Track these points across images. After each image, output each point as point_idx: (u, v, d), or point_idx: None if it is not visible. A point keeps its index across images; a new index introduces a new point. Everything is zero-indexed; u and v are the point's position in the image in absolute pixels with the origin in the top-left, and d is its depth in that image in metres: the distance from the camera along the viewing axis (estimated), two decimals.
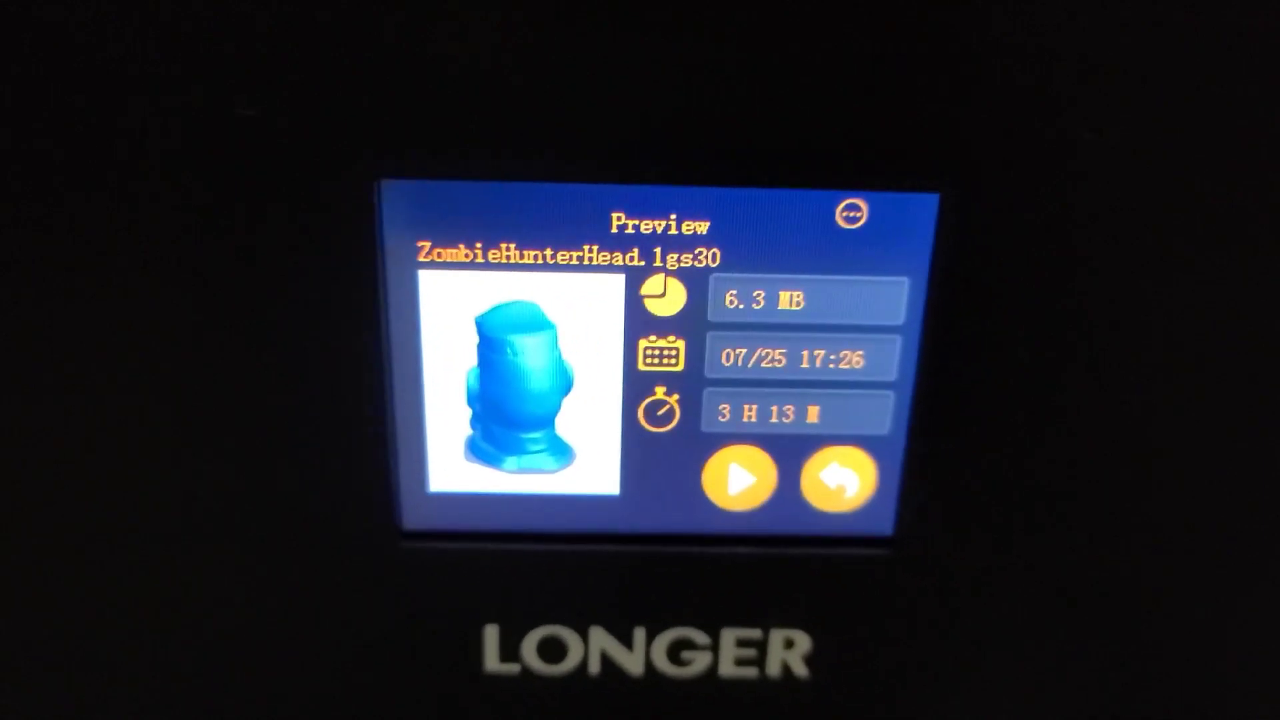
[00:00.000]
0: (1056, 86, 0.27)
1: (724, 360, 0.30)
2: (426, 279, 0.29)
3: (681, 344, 0.30)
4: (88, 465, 0.31)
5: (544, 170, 0.28)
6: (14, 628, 0.33)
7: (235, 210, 0.28)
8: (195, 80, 0.26)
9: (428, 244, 0.29)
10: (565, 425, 0.31)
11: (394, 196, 0.28)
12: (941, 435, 0.31)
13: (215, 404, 0.30)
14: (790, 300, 0.29)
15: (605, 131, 0.27)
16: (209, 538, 0.31)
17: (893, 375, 0.30)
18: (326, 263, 0.28)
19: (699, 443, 0.31)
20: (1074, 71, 0.26)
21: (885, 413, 0.31)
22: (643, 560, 0.32)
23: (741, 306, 0.29)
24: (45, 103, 0.27)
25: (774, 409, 0.31)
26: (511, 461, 0.31)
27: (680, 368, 0.30)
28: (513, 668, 0.33)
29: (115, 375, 0.29)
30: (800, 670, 0.34)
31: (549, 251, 0.29)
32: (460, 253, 0.29)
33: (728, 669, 0.33)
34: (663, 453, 0.31)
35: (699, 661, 0.33)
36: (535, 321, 0.30)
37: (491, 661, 0.33)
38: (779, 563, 0.32)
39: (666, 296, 0.29)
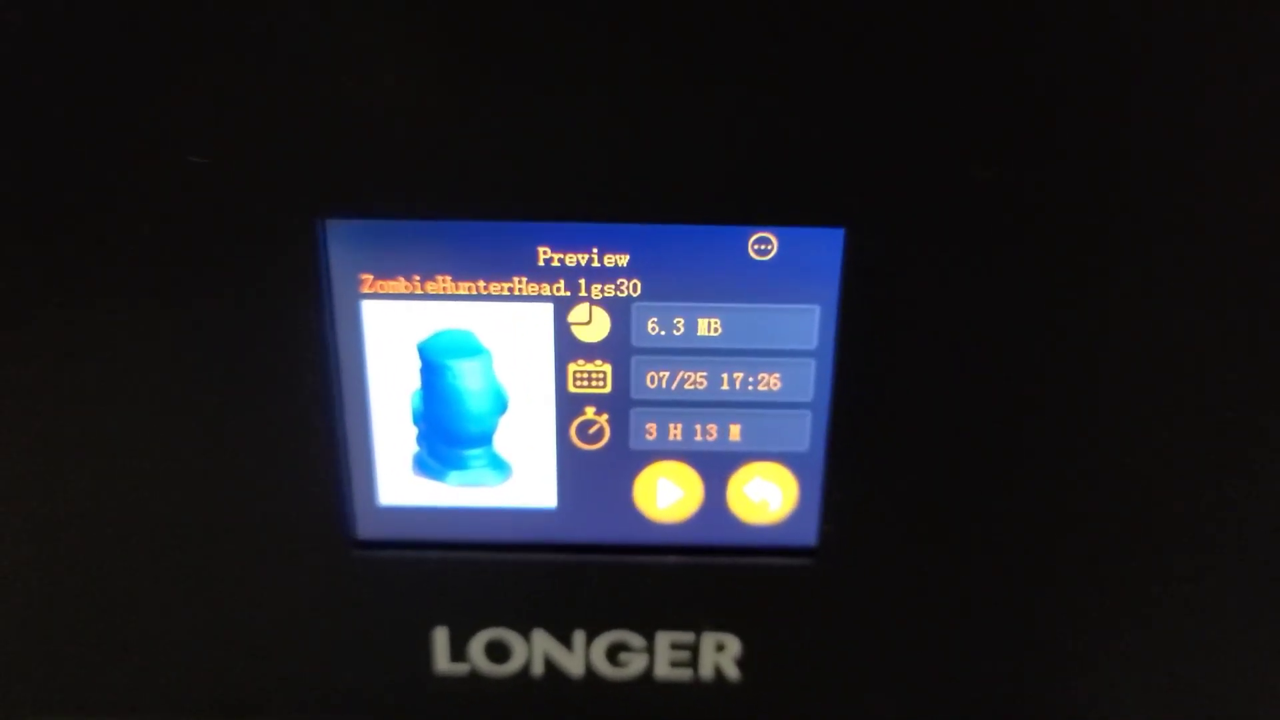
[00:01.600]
0: (948, 131, 0.28)
1: (649, 382, 0.32)
2: (369, 309, 0.31)
3: (608, 368, 0.32)
4: (47, 477, 0.33)
5: (475, 209, 0.30)
6: None
7: (193, 247, 0.30)
8: (149, 131, 0.29)
9: (370, 277, 0.31)
10: (503, 443, 0.33)
11: (337, 234, 0.30)
12: (858, 451, 0.32)
13: (178, 426, 0.32)
14: (708, 327, 0.31)
15: (531, 173, 0.29)
16: (174, 549, 0.33)
17: (809, 396, 0.32)
18: (277, 295, 0.30)
19: (629, 459, 0.33)
20: (964, 117, 0.28)
21: (804, 431, 0.33)
22: (580, 568, 0.34)
23: (663, 333, 0.31)
24: (14, 143, 0.29)
25: (698, 427, 0.33)
26: (455, 476, 0.33)
27: (608, 389, 0.32)
28: (462, 668, 0.35)
29: (80, 394, 0.31)
30: (731, 671, 0.35)
31: (482, 283, 0.31)
32: (400, 285, 0.31)
33: (663, 670, 0.35)
34: (595, 469, 0.33)
35: (635, 663, 0.35)
36: (471, 348, 0.32)
37: (442, 662, 0.35)
38: (708, 571, 0.34)
39: (592, 324, 0.31)
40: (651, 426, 0.32)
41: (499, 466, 0.33)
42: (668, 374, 0.32)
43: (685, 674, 0.35)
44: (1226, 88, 0.28)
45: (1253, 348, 0.31)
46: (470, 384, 0.32)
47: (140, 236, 0.29)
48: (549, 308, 0.31)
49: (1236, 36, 0.27)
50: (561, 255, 0.30)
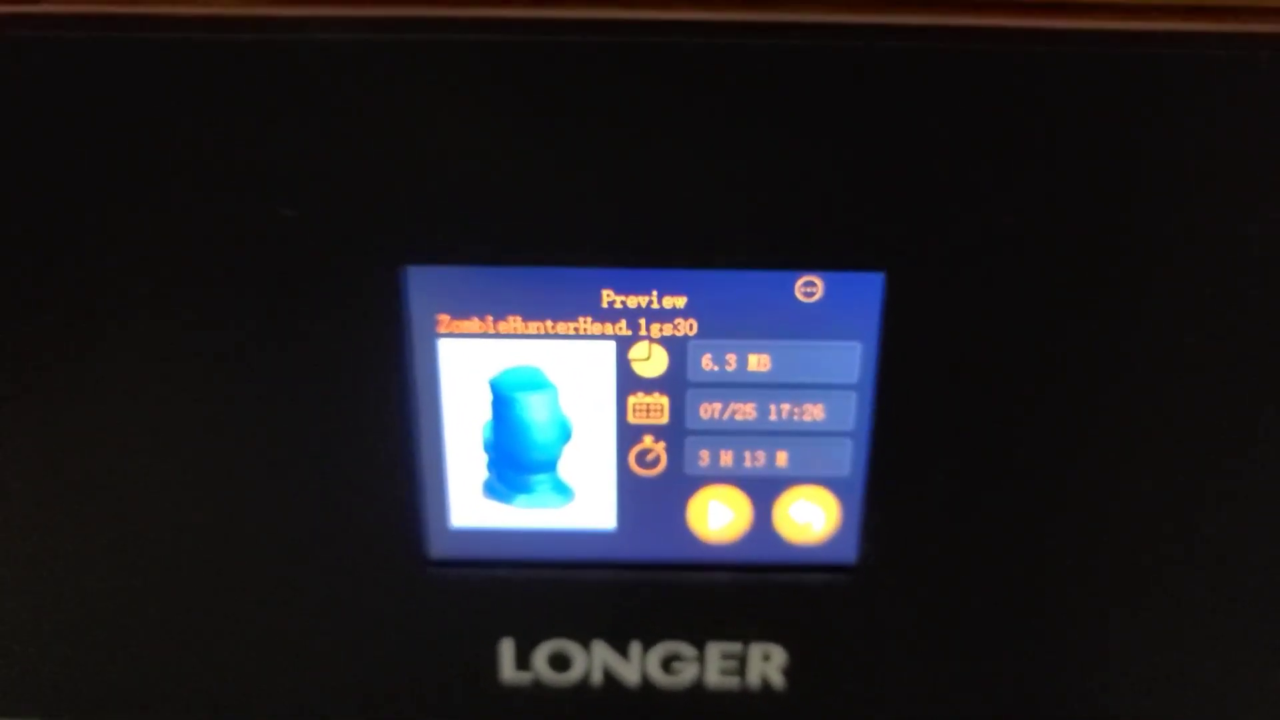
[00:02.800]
0: (976, 185, 0.31)
1: (702, 414, 0.35)
2: (445, 347, 0.34)
3: (665, 400, 0.35)
4: (149, 497, 0.35)
5: (545, 256, 0.32)
6: (46, 657, 0.38)
7: (288, 290, 0.33)
8: (244, 186, 0.31)
9: (446, 317, 0.33)
10: (566, 469, 0.35)
11: (417, 279, 0.33)
12: (895, 477, 0.35)
13: (269, 453, 0.35)
14: (758, 363, 0.34)
15: (595, 223, 0.32)
16: (263, 566, 0.36)
17: (850, 425, 0.35)
18: (363, 334, 0.33)
19: (683, 484, 0.36)
20: (988, 173, 0.31)
21: (845, 457, 0.35)
22: (637, 585, 0.37)
23: (716, 368, 0.34)
24: (123, 195, 0.32)
25: (747, 454, 0.35)
26: (521, 500, 0.36)
27: (665, 420, 0.35)
28: (526, 677, 0.38)
29: (184, 422, 0.34)
30: (777, 680, 0.38)
31: (550, 323, 0.33)
32: (474, 324, 0.34)
33: (713, 678, 0.38)
34: (652, 493, 0.36)
35: (687, 672, 0.38)
36: (538, 382, 0.34)
37: (508, 671, 0.38)
38: (756, 587, 0.37)
39: (651, 360, 0.34)
40: (704, 453, 0.35)
41: (562, 491, 0.36)
42: (720, 405, 0.34)
43: (734, 682, 0.38)
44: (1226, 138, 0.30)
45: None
46: (537, 416, 0.35)
47: (240, 281, 0.32)
48: (611, 345, 0.34)
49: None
50: (624, 298, 0.33)
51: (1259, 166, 0.30)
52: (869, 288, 0.33)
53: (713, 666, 0.38)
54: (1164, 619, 0.36)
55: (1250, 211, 0.31)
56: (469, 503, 0.36)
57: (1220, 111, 0.30)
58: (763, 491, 0.36)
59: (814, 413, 0.34)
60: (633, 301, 0.33)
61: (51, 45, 0.30)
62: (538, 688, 0.38)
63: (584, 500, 0.36)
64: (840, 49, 0.29)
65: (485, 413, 0.35)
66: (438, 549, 0.36)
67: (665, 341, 0.33)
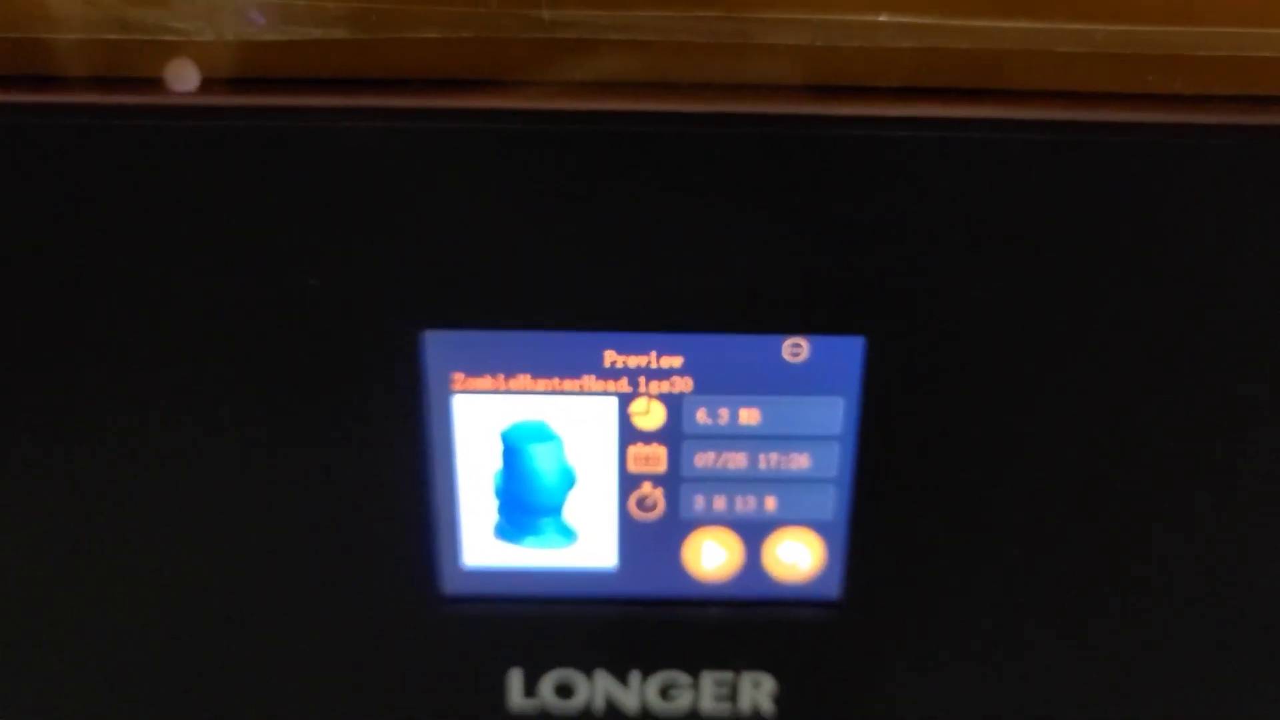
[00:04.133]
0: (946, 257, 0.34)
1: (697, 463, 0.37)
2: (459, 402, 0.36)
3: (663, 450, 0.37)
4: (182, 538, 0.38)
5: (552, 320, 0.35)
6: (56, 692, 0.41)
7: (315, 351, 0.35)
8: (277, 259, 0.34)
9: (460, 375, 0.36)
10: (570, 513, 0.38)
11: (434, 342, 0.35)
12: (876, 520, 0.38)
13: (293, 498, 0.37)
14: (748, 416, 0.37)
15: (600, 291, 0.34)
16: (286, 603, 0.39)
17: (834, 473, 0.37)
18: (383, 391, 0.36)
19: (679, 526, 0.38)
20: (953, 251, 0.34)
21: (829, 502, 0.38)
22: (636, 619, 0.39)
23: (710, 422, 0.37)
24: (153, 267, 0.34)
25: (739, 499, 0.38)
26: (529, 541, 0.39)
27: (663, 469, 0.37)
28: (533, 704, 0.40)
29: (218, 473, 0.37)
30: (767, 706, 0.41)
31: (556, 381, 0.36)
32: (486, 382, 0.36)
33: (707, 705, 0.40)
34: (650, 535, 0.38)
35: (683, 699, 0.40)
36: (545, 435, 0.37)
37: (516, 699, 0.40)
38: (747, 621, 0.39)
39: (650, 415, 0.37)
40: (699, 499, 0.38)
41: (566, 533, 0.38)
42: (713, 455, 0.37)
43: (726, 708, 0.41)
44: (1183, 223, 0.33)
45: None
46: (544, 465, 0.37)
47: (274, 342, 0.35)
48: (614, 401, 0.36)
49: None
50: (624, 358, 0.36)
51: (1202, 248, 0.33)
52: (850, 349, 0.35)
53: (707, 694, 0.40)
54: (1133, 650, 0.39)
55: (1186, 288, 0.34)
56: (480, 544, 0.39)
57: (1168, 195, 0.33)
58: (753, 533, 0.38)
59: (800, 461, 0.37)
60: (633, 361, 0.36)
61: (92, 131, 0.33)
62: (544, 715, 0.41)
63: (587, 541, 0.38)
64: (821, 138, 0.32)
65: (496, 462, 0.37)
66: (451, 586, 0.39)
67: (663, 397, 0.36)
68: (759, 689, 0.40)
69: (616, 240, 0.34)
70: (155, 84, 0.33)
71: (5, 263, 0.34)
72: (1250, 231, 0.33)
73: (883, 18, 0.32)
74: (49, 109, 0.33)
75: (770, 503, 0.38)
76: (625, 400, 0.36)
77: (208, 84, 0.33)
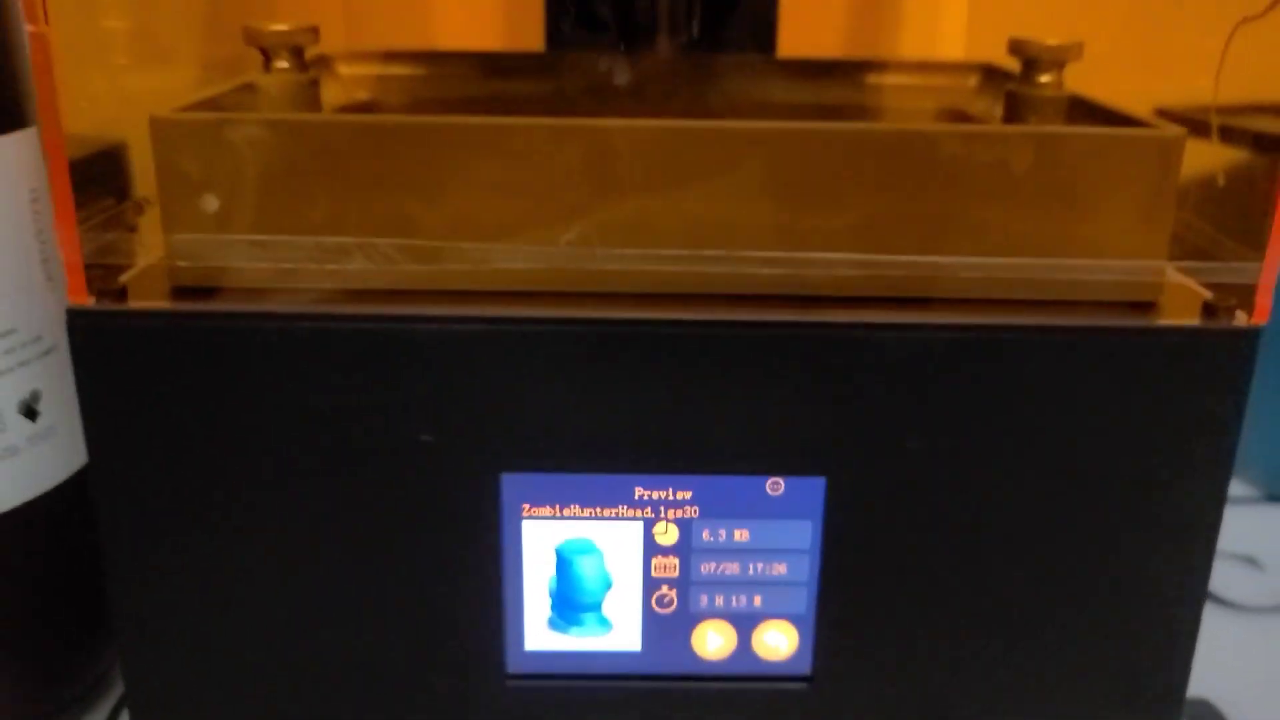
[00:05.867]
0: (888, 421, 0.46)
1: (703, 570, 0.49)
2: (527, 526, 0.48)
3: (677, 560, 0.49)
4: (307, 631, 0.49)
5: (596, 466, 0.47)
6: None
7: (418, 489, 0.47)
8: (399, 422, 0.46)
9: (528, 505, 0.48)
10: (608, 609, 0.50)
11: (509, 483, 0.47)
12: (838, 613, 0.49)
13: (398, 600, 0.49)
14: (740, 535, 0.49)
15: (632, 445, 0.46)
16: (372, 681, 0.49)
17: (805, 578, 0.49)
18: (470, 518, 0.47)
19: (688, 618, 0.50)
20: (897, 413, 0.46)
21: (802, 600, 0.49)
22: (656, 692, 0.49)
23: (712, 539, 0.49)
24: (313, 435, 0.47)
25: (734, 597, 0.50)
26: (574, 630, 0.50)
27: (676, 574, 0.49)
28: None
29: (338, 579, 0.48)
30: None
31: (598, 509, 0.48)
32: (547, 510, 0.48)
33: None
34: (667, 625, 0.50)
35: None
36: (590, 549, 0.49)
37: None
38: (740, 692, 0.50)
39: (668, 534, 0.48)
40: (704, 597, 0.50)
41: (604, 624, 0.50)
42: (715, 564, 0.49)
43: None
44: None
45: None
46: (588, 572, 0.49)
47: (393, 481, 0.46)
48: (640, 524, 0.48)
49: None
50: (649, 492, 0.48)
51: (1065, 424, 0.46)
52: (816, 487, 0.47)
53: None
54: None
55: (1054, 450, 0.47)
56: (538, 632, 0.49)
57: (1036, 379, 0.46)
58: (745, 624, 0.48)
59: (779, 569, 0.49)
60: (655, 494, 0.47)
61: (262, 334, 0.45)
62: None
63: (619, 630, 0.49)
64: (796, 337, 0.45)
65: (551, 570, 0.49)
66: (514, 665, 0.49)
67: (678, 521, 0.48)
68: None
69: (644, 409, 0.46)
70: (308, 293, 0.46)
71: (206, 437, 0.46)
72: (1095, 411, 0.46)
73: (843, 256, 0.46)
74: (228, 317, 0.45)
75: (758, 600, 0.48)
76: (649, 524, 0.48)
77: (351, 294, 0.46)
